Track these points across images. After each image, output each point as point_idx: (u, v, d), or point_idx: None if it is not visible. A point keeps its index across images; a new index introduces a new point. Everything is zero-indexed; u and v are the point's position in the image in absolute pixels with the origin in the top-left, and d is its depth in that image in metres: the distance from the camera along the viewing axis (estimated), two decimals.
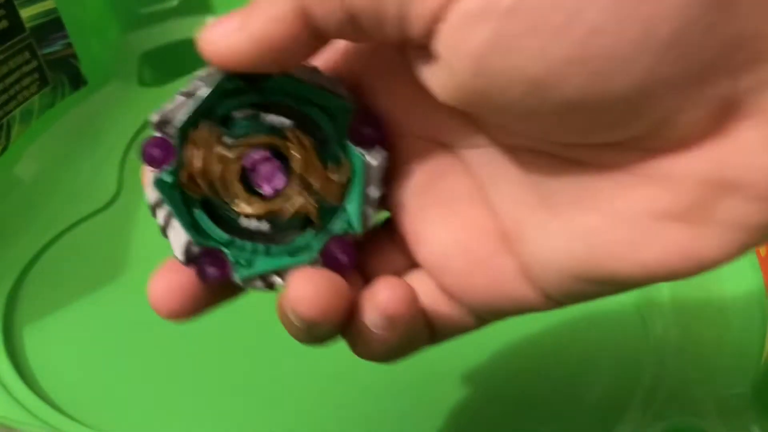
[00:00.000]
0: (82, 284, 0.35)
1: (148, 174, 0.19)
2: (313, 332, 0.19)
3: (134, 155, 0.42)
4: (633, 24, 0.14)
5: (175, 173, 0.19)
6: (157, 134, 0.19)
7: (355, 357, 0.32)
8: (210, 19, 0.48)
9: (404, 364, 0.32)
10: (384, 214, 0.21)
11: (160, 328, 0.34)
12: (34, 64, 0.39)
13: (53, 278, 0.36)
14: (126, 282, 0.36)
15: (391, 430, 0.30)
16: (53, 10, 0.40)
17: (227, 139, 0.19)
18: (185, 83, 0.19)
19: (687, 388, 0.29)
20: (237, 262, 0.19)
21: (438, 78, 0.17)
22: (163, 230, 0.19)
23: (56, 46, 0.40)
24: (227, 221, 0.19)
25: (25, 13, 0.38)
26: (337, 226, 0.20)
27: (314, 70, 0.19)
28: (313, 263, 0.19)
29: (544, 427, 0.30)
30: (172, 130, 0.18)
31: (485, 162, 0.19)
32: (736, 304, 0.31)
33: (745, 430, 0.28)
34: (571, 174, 0.17)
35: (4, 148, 0.38)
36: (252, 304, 0.33)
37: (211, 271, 0.19)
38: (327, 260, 0.19)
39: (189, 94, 0.18)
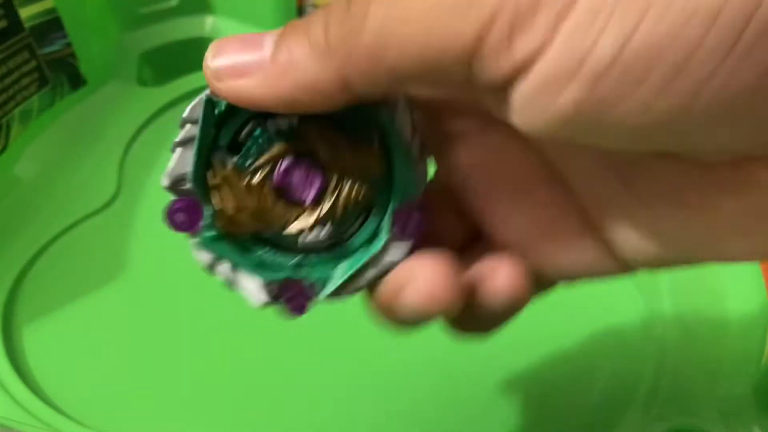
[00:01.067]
0: (82, 284, 0.35)
1: (190, 241, 0.17)
2: (426, 322, 0.18)
3: (134, 155, 0.41)
4: (746, 71, 0.13)
5: (213, 226, 0.17)
6: (175, 197, 0.17)
7: (355, 356, 0.32)
8: (209, 20, 0.48)
9: (403, 365, 0.32)
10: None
11: (160, 328, 0.34)
12: (33, 63, 0.39)
13: (53, 278, 0.36)
14: (126, 282, 0.36)
15: (391, 427, 0.30)
16: (52, 10, 0.40)
17: (246, 164, 0.17)
18: (177, 133, 0.17)
19: (687, 389, 0.29)
20: (316, 283, 0.18)
21: (518, 118, 0.15)
22: (231, 285, 0.18)
23: (55, 46, 0.40)
24: (285, 245, 0.18)
25: (25, 12, 0.38)
26: (395, 198, 0.18)
27: None
28: (390, 245, 0.18)
29: (544, 428, 0.30)
30: (188, 185, 0.17)
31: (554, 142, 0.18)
32: (736, 305, 0.31)
33: (746, 430, 0.28)
34: (666, 167, 0.17)
35: (4, 148, 0.38)
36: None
37: (296, 304, 0.18)
38: (401, 235, 0.18)
39: (184, 142, 0.17)
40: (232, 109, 0.17)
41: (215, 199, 0.17)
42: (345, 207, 0.18)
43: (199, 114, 0.17)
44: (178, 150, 0.17)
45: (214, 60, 0.16)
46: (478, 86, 0.15)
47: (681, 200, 0.17)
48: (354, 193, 0.18)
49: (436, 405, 0.31)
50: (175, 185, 0.17)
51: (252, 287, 0.18)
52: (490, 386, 0.31)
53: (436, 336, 0.33)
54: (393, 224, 0.18)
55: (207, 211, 0.17)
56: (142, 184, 0.40)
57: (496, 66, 0.14)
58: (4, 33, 0.37)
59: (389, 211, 0.18)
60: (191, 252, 0.18)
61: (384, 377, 0.31)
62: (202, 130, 0.17)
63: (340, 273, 0.18)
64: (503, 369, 0.31)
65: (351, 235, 0.18)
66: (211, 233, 0.17)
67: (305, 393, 0.31)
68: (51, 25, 0.40)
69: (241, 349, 0.33)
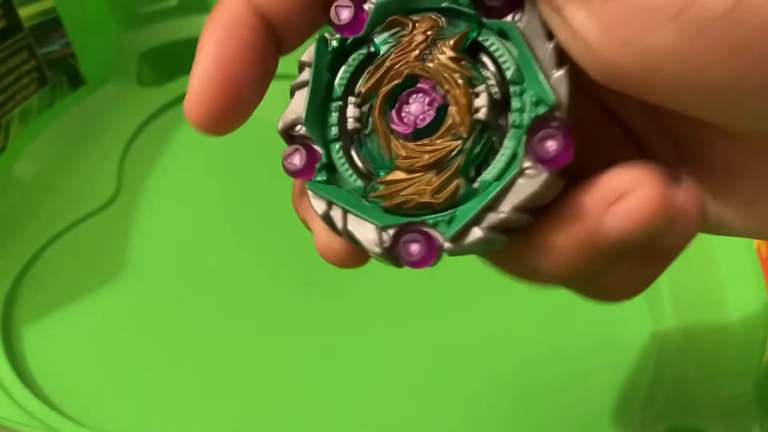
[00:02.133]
0: (82, 284, 0.35)
1: (307, 187, 0.17)
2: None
3: (134, 155, 0.41)
4: None
5: (325, 170, 0.16)
6: (292, 144, 0.17)
7: (352, 356, 0.32)
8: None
9: (404, 364, 0.32)
10: None
11: (160, 328, 0.34)
12: (32, 63, 0.39)
13: (52, 278, 0.36)
14: (125, 282, 0.36)
15: (393, 428, 0.30)
16: (52, 10, 0.40)
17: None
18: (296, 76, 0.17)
19: (688, 389, 0.29)
20: (439, 224, 0.15)
21: (585, 49, 0.13)
22: (345, 234, 0.16)
23: (55, 46, 0.40)
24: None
25: (24, 12, 0.38)
26: (528, 113, 0.15)
27: None
28: (527, 171, 0.15)
29: (544, 428, 0.30)
30: (302, 130, 0.16)
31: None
32: (737, 305, 0.31)
33: (746, 430, 0.27)
34: (725, 147, 0.15)
35: (3, 148, 0.38)
36: (253, 303, 0.33)
37: (418, 250, 0.15)
38: (538, 158, 0.14)
39: (300, 86, 0.17)
40: (343, 47, 0.16)
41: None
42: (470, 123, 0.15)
43: (313, 56, 0.16)
44: (296, 93, 0.17)
45: None
46: None
47: (733, 186, 0.16)
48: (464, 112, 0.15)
49: (429, 405, 0.31)
50: (288, 129, 0.17)
51: (366, 234, 0.16)
52: (488, 386, 0.31)
53: (435, 335, 0.33)
54: (527, 145, 0.15)
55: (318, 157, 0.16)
56: (142, 184, 0.40)
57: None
58: (3, 33, 0.37)
59: (519, 133, 0.15)
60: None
61: (385, 378, 0.31)
62: (315, 72, 0.16)
63: (466, 211, 0.15)
64: (502, 368, 0.31)
65: (479, 174, 0.15)
66: (323, 177, 0.16)
67: (306, 394, 0.31)
68: (50, 25, 0.40)
69: (242, 349, 0.33)
